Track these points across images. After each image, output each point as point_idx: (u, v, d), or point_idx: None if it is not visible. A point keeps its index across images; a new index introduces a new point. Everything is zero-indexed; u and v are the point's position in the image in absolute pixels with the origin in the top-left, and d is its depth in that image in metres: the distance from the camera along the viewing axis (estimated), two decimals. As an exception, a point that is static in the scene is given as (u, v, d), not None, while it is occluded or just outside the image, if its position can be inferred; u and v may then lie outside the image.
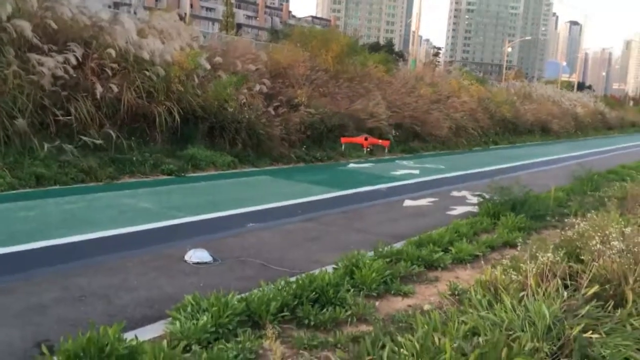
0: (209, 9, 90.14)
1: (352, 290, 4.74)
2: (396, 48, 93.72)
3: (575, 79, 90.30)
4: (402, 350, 2.97)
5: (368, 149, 7.34)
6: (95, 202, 8.31)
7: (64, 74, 10.43)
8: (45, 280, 4.96)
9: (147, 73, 11.81)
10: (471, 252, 6.26)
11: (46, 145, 9.59)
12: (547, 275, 4.07)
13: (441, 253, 6.07)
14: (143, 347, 3.36)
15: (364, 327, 4.22)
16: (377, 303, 4.74)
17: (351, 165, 14.96)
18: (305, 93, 16.82)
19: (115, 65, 11.50)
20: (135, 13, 19.86)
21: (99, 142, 10.43)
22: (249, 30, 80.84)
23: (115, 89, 11.15)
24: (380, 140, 7.41)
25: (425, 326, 3.29)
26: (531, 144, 27.53)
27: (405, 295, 5.03)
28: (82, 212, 7.67)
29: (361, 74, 21.01)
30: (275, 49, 18.71)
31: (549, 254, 4.13)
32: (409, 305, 4.77)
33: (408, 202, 9.88)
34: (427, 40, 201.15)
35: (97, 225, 6.91)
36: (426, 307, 4.65)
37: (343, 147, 7.66)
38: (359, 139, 7.45)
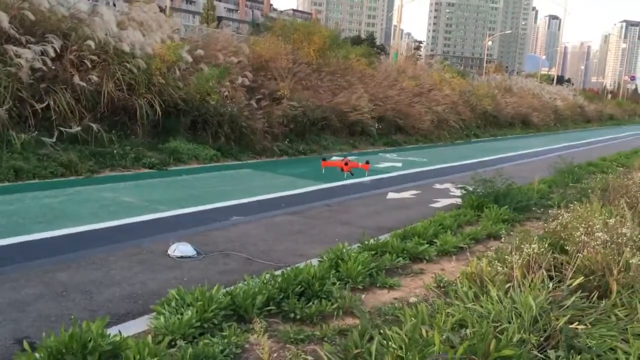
0: (189, 2, 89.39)
1: (337, 283, 4.71)
2: (378, 42, 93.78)
3: (554, 72, 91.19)
4: (390, 343, 2.95)
5: (349, 173, 7.36)
6: (76, 196, 8.17)
7: (42, 66, 10.24)
8: (24, 275, 4.86)
9: (128, 65, 11.64)
10: (456, 245, 6.27)
11: (24, 136, 9.40)
12: (533, 267, 4.08)
13: (426, 245, 6.07)
14: (127, 342, 3.30)
15: (350, 321, 4.20)
16: (363, 296, 4.73)
17: (334, 158, 14.93)
18: (287, 86, 16.75)
19: (94, 58, 11.31)
20: (114, 5, 19.56)
21: (76, 131, 10.24)
22: (230, 24, 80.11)
23: (95, 81, 10.98)
24: (360, 164, 7.44)
25: (413, 319, 3.27)
26: (512, 136, 27.74)
27: (391, 287, 5.02)
28: (63, 206, 7.55)
29: (343, 67, 20.99)
30: (257, 42, 18.58)
31: (535, 245, 4.14)
32: (395, 298, 4.76)
33: (392, 195, 9.88)
34: (409, 34, 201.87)
35: (78, 220, 6.80)
36: (412, 299, 4.64)
37: (323, 170, 7.65)
38: (339, 163, 7.46)
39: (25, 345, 3.21)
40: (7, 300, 4.30)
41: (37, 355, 3.12)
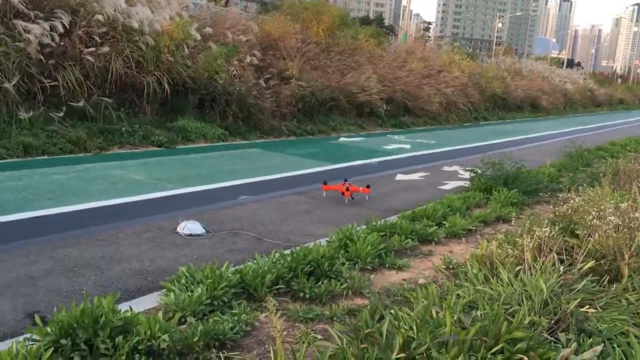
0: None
1: (347, 263, 4.71)
2: (386, 22, 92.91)
3: (564, 55, 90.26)
4: (400, 323, 2.95)
5: (350, 198, 7.36)
6: (85, 173, 8.19)
7: (51, 42, 10.19)
8: (34, 251, 4.88)
9: (137, 42, 11.58)
10: (464, 227, 6.26)
11: (32, 113, 9.40)
12: (544, 250, 4.06)
13: (435, 227, 6.06)
14: (138, 318, 3.31)
15: (359, 301, 4.21)
16: (372, 276, 4.73)
17: (342, 139, 14.90)
18: (296, 66, 16.64)
19: (103, 33, 11.26)
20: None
21: (84, 105, 10.24)
22: (238, 2, 79.64)
23: (104, 54, 10.93)
24: (361, 189, 7.43)
25: (423, 300, 3.27)
26: (521, 120, 27.57)
27: (400, 268, 5.01)
28: (72, 182, 7.56)
29: (352, 47, 20.82)
30: (265, 21, 18.43)
31: (546, 229, 4.12)
32: (404, 279, 4.76)
33: (400, 177, 9.86)
34: (418, 14, 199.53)
35: (88, 196, 6.81)
36: (421, 281, 4.64)
37: (324, 194, 7.67)
38: (341, 188, 7.43)
39: (37, 319, 3.22)
40: (18, 275, 4.32)
41: (48, 329, 3.14)
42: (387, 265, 5.01)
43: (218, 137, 12.30)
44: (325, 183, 7.75)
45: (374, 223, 5.87)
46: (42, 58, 10.04)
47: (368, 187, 7.68)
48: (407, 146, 14.19)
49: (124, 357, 3.04)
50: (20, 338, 3.16)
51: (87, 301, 3.26)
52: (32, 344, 3.03)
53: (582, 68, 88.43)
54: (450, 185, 9.32)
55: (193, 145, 11.52)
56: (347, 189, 7.52)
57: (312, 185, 8.37)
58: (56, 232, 5.44)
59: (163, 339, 3.19)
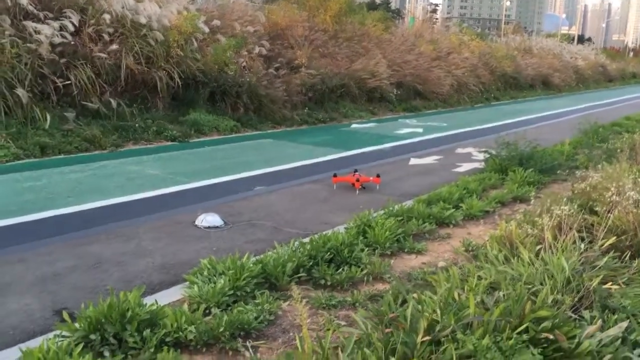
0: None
1: (366, 249, 4.74)
2: (393, 6, 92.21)
3: (574, 31, 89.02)
4: (424, 307, 2.96)
5: (361, 187, 7.35)
6: (102, 170, 8.26)
7: (63, 40, 10.26)
8: (57, 248, 4.96)
9: (146, 38, 11.62)
10: (482, 208, 6.25)
11: (48, 115, 9.49)
12: (564, 228, 4.05)
13: (452, 210, 6.06)
14: (164, 311, 3.37)
15: (380, 286, 4.23)
16: (391, 261, 4.75)
17: (354, 125, 14.87)
18: (305, 54, 16.60)
19: (112, 31, 11.31)
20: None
21: (98, 106, 10.32)
22: (243, -8, 79.30)
23: (115, 51, 10.99)
24: (371, 179, 7.41)
25: (445, 283, 3.28)
26: (533, 98, 27.30)
27: (419, 252, 5.03)
28: (90, 180, 7.64)
29: (360, 33, 20.69)
30: (272, 10, 18.36)
31: (566, 207, 4.11)
32: (423, 263, 4.78)
33: (414, 161, 9.85)
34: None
35: (106, 193, 6.89)
36: (441, 264, 4.66)
37: (335, 186, 7.66)
38: (351, 179, 7.42)
39: (65, 315, 3.29)
40: (43, 273, 4.40)
41: (77, 325, 3.20)
42: (406, 250, 5.03)
43: (230, 129, 12.33)
44: (335, 175, 7.75)
45: (391, 208, 5.88)
46: (54, 57, 10.10)
47: (378, 176, 7.67)
48: (419, 130, 14.13)
49: (152, 350, 3.10)
50: (50, 335, 3.23)
51: (113, 296, 3.32)
52: (62, 340, 3.10)
53: (593, 43, 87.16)
54: (465, 167, 9.29)
55: (206, 138, 11.56)
56: (357, 180, 7.51)
57: (326, 174, 8.38)
58: (77, 230, 5.52)
59: (190, 330, 3.25)
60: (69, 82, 10.20)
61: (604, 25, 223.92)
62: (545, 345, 2.61)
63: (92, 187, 7.25)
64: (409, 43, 23.02)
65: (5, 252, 4.83)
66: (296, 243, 4.63)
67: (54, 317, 3.68)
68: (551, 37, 56.36)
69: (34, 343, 3.14)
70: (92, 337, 3.13)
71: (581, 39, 78.89)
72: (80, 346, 2.97)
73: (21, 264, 4.57)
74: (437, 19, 60.80)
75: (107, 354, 3.08)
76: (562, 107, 21.93)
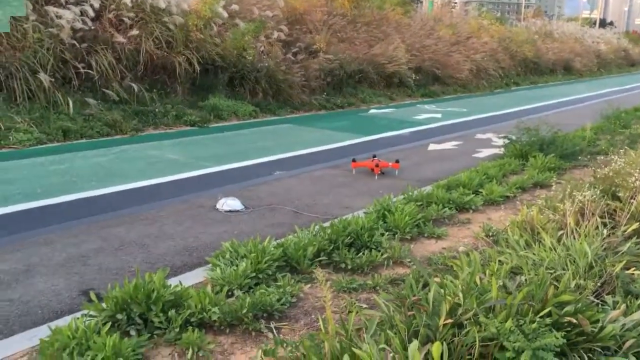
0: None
1: (386, 234, 4.76)
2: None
3: (596, 15, 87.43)
4: (446, 290, 2.98)
5: (380, 173, 7.34)
6: (123, 154, 8.36)
7: (83, 26, 10.34)
8: (83, 231, 5.05)
9: (165, 23, 11.66)
10: (502, 194, 6.23)
11: (70, 101, 9.60)
12: (586, 214, 4.03)
13: (472, 195, 6.05)
14: (188, 292, 3.43)
15: (400, 270, 4.26)
16: (411, 246, 4.77)
17: (372, 111, 14.83)
18: (323, 39, 16.54)
19: (132, 15, 11.36)
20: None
21: (118, 91, 10.42)
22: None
23: (134, 40, 11.05)
24: (390, 164, 7.40)
25: (467, 267, 3.29)
26: (553, 83, 26.96)
27: (439, 237, 5.04)
28: (112, 164, 7.74)
29: (378, 17, 20.53)
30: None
31: (588, 192, 4.08)
32: (444, 248, 4.79)
33: (433, 146, 9.81)
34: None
35: (128, 177, 6.97)
36: (461, 248, 4.66)
37: (354, 171, 7.65)
38: (370, 165, 7.41)
39: (92, 296, 3.36)
40: (70, 255, 4.48)
41: (104, 305, 3.27)
42: (425, 235, 5.04)
43: (249, 114, 12.36)
44: (354, 160, 7.76)
45: (410, 193, 5.89)
46: (75, 43, 10.19)
47: (397, 161, 7.67)
48: (438, 115, 14.05)
49: (177, 330, 3.16)
50: (78, 314, 3.30)
51: (139, 277, 3.38)
52: (90, 320, 3.17)
53: (615, 27, 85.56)
54: (485, 153, 9.24)
55: (225, 124, 11.61)
56: (377, 165, 7.52)
57: (345, 159, 8.39)
58: (102, 213, 5.61)
59: (213, 311, 3.30)
60: (90, 67, 10.28)
61: (626, 9, 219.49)
62: (569, 329, 2.61)
63: (114, 171, 7.34)
64: (427, 27, 22.81)
65: (33, 234, 4.93)
66: (316, 227, 4.66)
67: (81, 297, 3.76)
68: (572, 20, 55.45)
69: (61, 322, 3.21)
70: (119, 316, 3.20)
71: (603, 23, 77.52)
72: (108, 325, 3.03)
73: (47, 246, 4.66)
74: (456, 2, 60.06)
75: (133, 333, 3.15)
76: (584, 92, 21.63)
